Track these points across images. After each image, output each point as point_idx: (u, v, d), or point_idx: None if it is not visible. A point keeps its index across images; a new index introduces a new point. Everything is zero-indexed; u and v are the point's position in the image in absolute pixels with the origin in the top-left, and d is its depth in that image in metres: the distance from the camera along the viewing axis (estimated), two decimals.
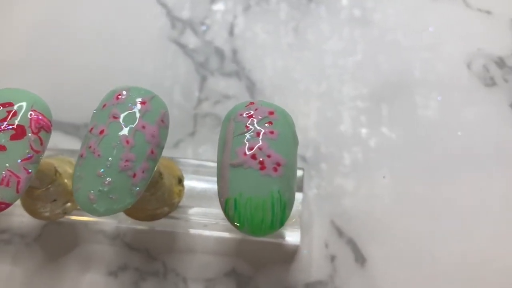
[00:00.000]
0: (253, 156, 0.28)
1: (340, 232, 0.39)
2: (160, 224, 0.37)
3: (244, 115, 0.29)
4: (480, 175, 0.40)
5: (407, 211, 0.39)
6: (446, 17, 0.46)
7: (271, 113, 0.29)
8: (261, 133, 0.28)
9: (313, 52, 0.45)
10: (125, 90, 0.30)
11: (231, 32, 0.46)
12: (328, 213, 0.39)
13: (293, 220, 0.36)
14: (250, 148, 0.28)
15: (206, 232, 0.38)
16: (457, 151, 0.41)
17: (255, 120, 0.29)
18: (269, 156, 0.28)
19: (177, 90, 0.44)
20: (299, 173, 0.37)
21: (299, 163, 0.41)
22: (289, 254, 0.38)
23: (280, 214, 0.28)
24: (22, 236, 0.39)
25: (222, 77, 0.45)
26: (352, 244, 0.38)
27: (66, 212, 0.36)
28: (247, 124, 0.29)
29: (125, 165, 0.28)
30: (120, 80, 0.45)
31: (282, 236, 0.38)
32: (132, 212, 0.36)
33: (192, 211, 0.37)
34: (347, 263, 0.38)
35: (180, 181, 0.37)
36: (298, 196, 0.37)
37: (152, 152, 0.29)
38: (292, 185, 0.29)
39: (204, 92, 0.44)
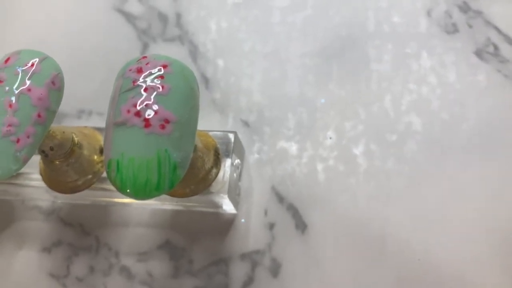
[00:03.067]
0: (137, 113, 0.26)
1: (280, 198, 0.36)
2: (86, 196, 0.35)
3: (133, 70, 0.27)
4: (438, 132, 0.36)
5: (353, 173, 0.36)
6: None
7: (165, 66, 0.27)
8: (149, 88, 0.26)
9: (260, 10, 0.42)
10: (16, 53, 0.29)
11: None
12: (269, 179, 0.36)
13: (220, 187, 0.33)
14: (135, 105, 0.26)
15: (140, 204, 0.36)
16: (412, 105, 0.37)
17: (145, 75, 0.27)
18: (156, 113, 0.26)
19: (118, 59, 0.42)
20: (230, 137, 0.35)
21: (241, 128, 0.38)
22: (226, 224, 0.36)
23: (168, 175, 0.25)
24: None
25: (164, 43, 0.42)
26: (293, 210, 0.35)
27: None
28: (135, 79, 0.26)
29: (7, 130, 0.27)
30: (61, 51, 0.43)
31: (219, 205, 0.36)
32: (54, 185, 0.35)
33: None
34: (286, 231, 0.35)
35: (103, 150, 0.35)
36: (227, 162, 0.34)
37: (39, 115, 0.27)
38: (187, 144, 0.27)
39: None
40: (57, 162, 0.33)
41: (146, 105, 0.26)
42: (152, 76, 0.27)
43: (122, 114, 0.26)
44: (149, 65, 0.27)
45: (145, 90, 0.26)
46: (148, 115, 0.25)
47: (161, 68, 0.27)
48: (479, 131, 0.36)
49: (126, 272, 0.35)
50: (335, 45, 0.40)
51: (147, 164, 0.25)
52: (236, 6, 0.43)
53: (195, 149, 0.32)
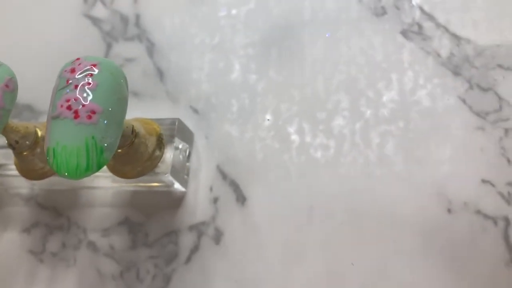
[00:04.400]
0: (68, 107, 0.30)
1: (224, 176, 0.40)
2: (57, 182, 0.41)
3: (67, 71, 0.32)
4: (364, 107, 0.40)
5: (287, 150, 0.40)
6: None
7: (94, 65, 0.31)
8: (79, 85, 0.31)
9: (209, 6, 0.46)
10: None
11: None
12: (215, 159, 0.41)
13: (165, 167, 0.38)
14: (67, 100, 0.30)
15: (104, 186, 0.41)
16: (341, 85, 0.41)
17: (77, 74, 0.31)
18: (83, 106, 0.30)
19: None
20: (171, 124, 0.39)
21: (191, 115, 0.43)
22: (177, 200, 0.40)
23: (96, 158, 0.30)
24: None
25: (125, 42, 0.47)
26: (235, 186, 0.40)
27: None
28: (68, 79, 0.31)
29: None
30: (35, 54, 0.48)
31: (170, 184, 0.40)
32: (25, 174, 0.40)
33: None
34: (228, 204, 0.39)
35: None
36: (169, 151, 0.38)
37: None
38: (113, 130, 0.31)
39: (109, 58, 0.47)
40: (25, 153, 0.38)
41: (75, 99, 0.30)
42: (83, 75, 0.31)
43: (57, 109, 0.30)
44: (81, 66, 0.32)
45: (76, 87, 0.31)
46: (77, 108, 0.30)
47: (91, 67, 0.31)
48: (401, 104, 0.39)
49: (92, 246, 0.40)
50: (274, 34, 0.44)
51: (77, 150, 0.30)
52: (187, 4, 0.47)
53: (138, 135, 0.37)
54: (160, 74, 0.45)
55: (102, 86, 0.31)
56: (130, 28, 0.47)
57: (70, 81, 0.31)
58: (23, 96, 0.46)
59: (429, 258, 0.35)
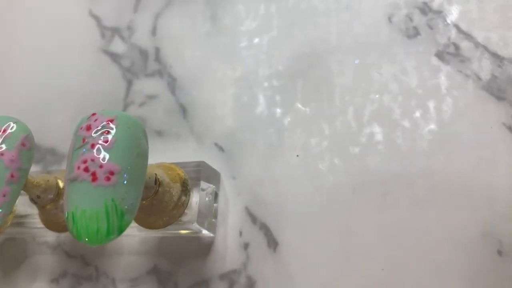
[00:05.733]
0: (86, 169, 0.29)
1: (254, 219, 0.38)
2: None
3: (83, 128, 0.30)
4: (400, 139, 0.37)
5: (318, 189, 0.37)
6: None
7: (111, 120, 0.30)
8: (96, 144, 0.29)
9: (230, 36, 0.44)
10: None
11: (153, 32, 0.47)
12: (243, 200, 0.39)
13: (192, 214, 0.36)
14: (83, 161, 0.29)
15: (131, 233, 0.40)
16: (374, 115, 0.38)
17: (93, 132, 0.30)
18: (101, 166, 0.29)
19: (105, 99, 0.46)
20: (196, 166, 0.37)
21: (216, 153, 0.41)
22: (205, 246, 0.38)
23: (117, 222, 0.28)
24: None
25: (145, 78, 0.45)
26: (265, 229, 0.37)
27: None
28: (84, 137, 0.30)
29: None
30: (54, 95, 0.47)
31: (198, 230, 0.38)
32: (49, 226, 0.39)
33: None
34: (260, 249, 0.37)
35: None
36: (197, 190, 0.37)
37: (12, 176, 0.31)
38: (134, 190, 0.29)
39: (130, 96, 0.45)
40: (48, 207, 0.37)
41: (92, 160, 0.29)
42: (99, 132, 0.30)
43: (74, 171, 0.29)
44: (97, 122, 0.30)
45: (92, 146, 0.29)
46: (95, 169, 0.29)
47: (108, 123, 0.30)
48: (440, 135, 0.36)
49: None
50: (299, 63, 0.41)
51: (96, 214, 0.28)
52: (207, 35, 0.45)
53: (162, 184, 0.35)
54: (183, 110, 0.43)
55: (120, 143, 0.29)
56: (150, 63, 0.46)
57: (86, 140, 0.29)
58: (46, 139, 0.45)
59: None
